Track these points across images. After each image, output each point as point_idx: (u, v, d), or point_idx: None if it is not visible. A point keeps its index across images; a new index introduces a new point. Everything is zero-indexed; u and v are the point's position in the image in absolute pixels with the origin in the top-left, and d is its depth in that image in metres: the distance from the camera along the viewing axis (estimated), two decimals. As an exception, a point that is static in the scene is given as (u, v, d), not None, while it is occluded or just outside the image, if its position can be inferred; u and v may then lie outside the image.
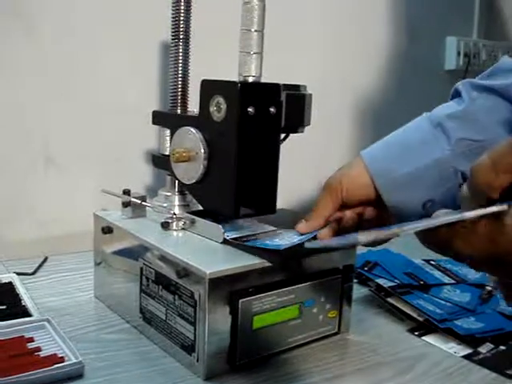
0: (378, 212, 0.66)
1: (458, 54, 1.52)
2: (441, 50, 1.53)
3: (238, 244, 0.69)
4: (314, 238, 0.67)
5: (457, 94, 0.68)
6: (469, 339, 0.75)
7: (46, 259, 0.98)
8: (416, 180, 0.64)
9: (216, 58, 1.01)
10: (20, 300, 0.79)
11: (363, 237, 0.43)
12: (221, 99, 0.71)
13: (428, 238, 0.43)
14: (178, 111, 0.85)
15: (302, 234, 0.68)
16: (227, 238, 0.70)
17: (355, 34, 1.35)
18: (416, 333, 0.78)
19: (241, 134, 0.69)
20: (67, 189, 1.04)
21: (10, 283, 0.83)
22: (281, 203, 0.77)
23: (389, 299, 0.83)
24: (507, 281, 0.46)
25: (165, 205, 0.82)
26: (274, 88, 0.72)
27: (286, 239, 0.69)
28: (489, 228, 0.39)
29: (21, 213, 1.01)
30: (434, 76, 1.53)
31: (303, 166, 1.25)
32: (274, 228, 0.75)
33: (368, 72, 1.39)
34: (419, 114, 1.43)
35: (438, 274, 0.92)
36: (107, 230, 0.80)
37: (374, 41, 1.39)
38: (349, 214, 0.66)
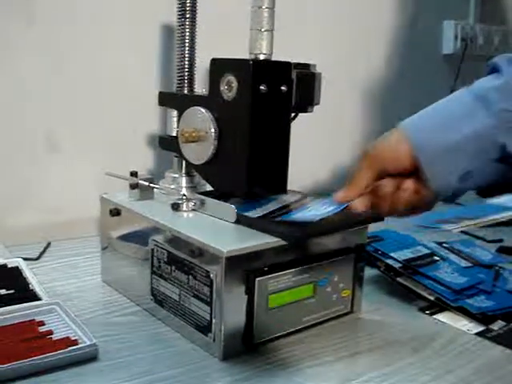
0: (416, 184, 0.64)
1: (456, 38, 1.52)
2: (438, 34, 1.53)
3: (269, 220, 0.68)
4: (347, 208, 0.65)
5: (493, 70, 0.67)
6: (480, 317, 0.75)
7: (49, 244, 0.96)
8: (456, 152, 0.62)
9: (222, 39, 1.00)
10: (28, 284, 0.78)
11: None
12: (232, 78, 0.70)
13: None
14: (185, 92, 0.84)
15: (332, 204, 0.66)
16: (254, 216, 0.69)
17: (353, 18, 1.34)
18: (427, 312, 0.78)
19: (253, 112, 0.69)
20: (70, 174, 1.03)
21: (17, 268, 0.82)
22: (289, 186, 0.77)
23: (398, 279, 0.83)
24: None
25: (172, 187, 0.81)
26: (286, 66, 0.72)
27: (317, 210, 0.67)
28: None
29: (24, 199, 0.99)
30: (432, 60, 1.52)
31: (310, 150, 1.24)
32: (299, 197, 0.74)
33: (367, 57, 1.38)
34: (419, 97, 1.44)
35: (453, 257, 0.91)
36: (115, 212, 0.78)
37: (372, 25, 1.38)
38: (386, 181, 0.64)
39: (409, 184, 0.64)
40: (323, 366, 0.64)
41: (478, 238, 1.11)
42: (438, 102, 0.67)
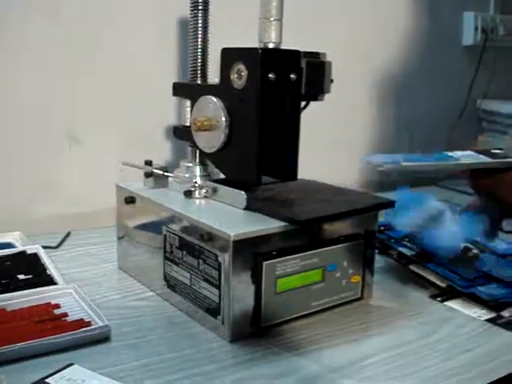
0: None
1: (476, 29, 1.50)
2: (458, 25, 1.52)
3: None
4: None
5: None
6: (492, 304, 0.75)
7: (68, 234, 0.99)
8: None
9: (233, 30, 1.01)
10: (45, 270, 0.80)
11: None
12: (242, 66, 0.71)
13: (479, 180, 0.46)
14: (199, 82, 0.85)
15: None
16: None
17: (374, 9, 1.34)
18: (439, 298, 0.78)
19: (262, 100, 0.70)
20: (90, 167, 1.05)
21: (35, 254, 0.85)
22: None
23: (411, 266, 0.83)
24: None
25: (186, 175, 0.82)
26: (295, 54, 0.73)
27: None
28: None
29: (46, 190, 1.02)
30: (452, 52, 1.51)
31: (323, 141, 1.25)
32: None
33: (387, 48, 1.38)
34: (439, 89, 1.44)
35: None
36: (130, 199, 0.80)
37: (392, 17, 1.38)
38: None
39: None
40: (331, 348, 0.65)
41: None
42: None
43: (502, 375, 0.60)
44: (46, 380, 0.56)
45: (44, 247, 0.88)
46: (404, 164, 0.64)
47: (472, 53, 1.52)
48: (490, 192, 0.53)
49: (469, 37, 1.51)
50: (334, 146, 1.30)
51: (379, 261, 0.88)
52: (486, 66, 1.50)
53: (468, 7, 1.51)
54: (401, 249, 0.86)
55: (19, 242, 0.92)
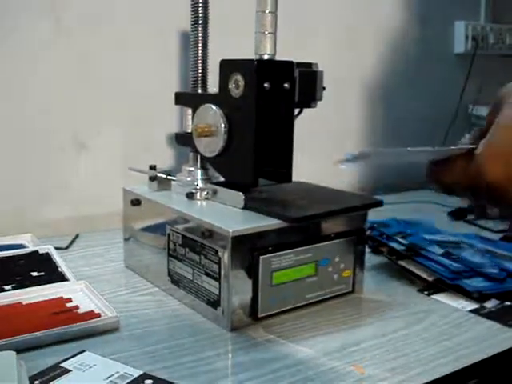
0: None
1: (466, 37, 1.56)
2: (449, 34, 1.57)
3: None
4: None
5: None
6: (476, 295, 0.80)
7: (77, 236, 1.04)
8: None
9: (231, 43, 1.06)
10: (57, 267, 0.85)
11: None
12: (239, 77, 0.76)
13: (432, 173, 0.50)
14: (199, 91, 0.90)
15: None
16: None
17: (366, 19, 1.40)
18: (426, 292, 0.84)
19: (258, 107, 0.75)
20: (97, 172, 1.11)
21: (47, 254, 0.90)
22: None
23: (400, 262, 0.89)
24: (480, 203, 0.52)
25: (188, 179, 0.87)
26: (288, 65, 0.78)
27: None
28: (463, 162, 0.47)
29: (55, 194, 1.08)
30: (444, 60, 1.57)
31: (317, 145, 1.30)
32: None
33: (379, 56, 1.44)
34: (430, 97, 1.48)
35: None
36: (136, 201, 0.86)
37: (384, 26, 1.44)
38: None
39: None
40: (324, 335, 0.70)
41: (485, 228, 1.16)
42: None
43: (480, 359, 0.66)
44: (61, 364, 0.61)
45: (55, 248, 0.94)
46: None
47: (463, 60, 1.58)
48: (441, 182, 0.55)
49: (460, 45, 1.57)
50: (328, 150, 1.35)
51: (372, 259, 0.93)
52: (477, 73, 1.55)
53: (459, 16, 1.57)
54: (392, 244, 0.92)
55: (30, 243, 0.97)
